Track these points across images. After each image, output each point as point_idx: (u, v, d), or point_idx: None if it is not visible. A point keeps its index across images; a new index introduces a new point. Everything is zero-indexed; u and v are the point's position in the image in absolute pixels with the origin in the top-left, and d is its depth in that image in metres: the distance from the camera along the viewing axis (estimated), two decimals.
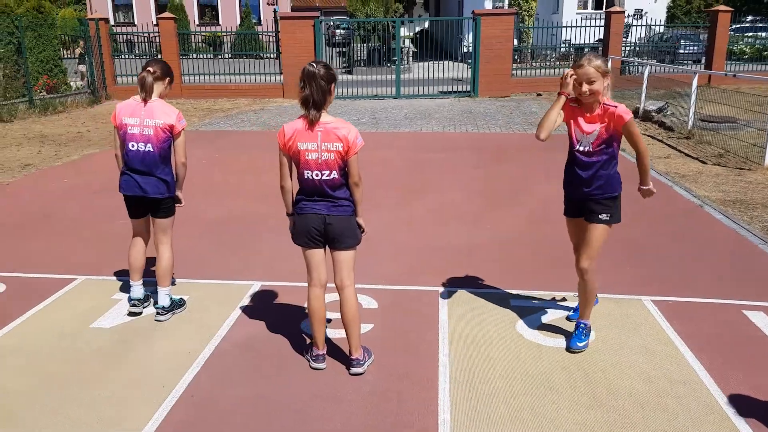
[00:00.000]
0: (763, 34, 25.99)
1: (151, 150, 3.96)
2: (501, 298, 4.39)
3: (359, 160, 3.38)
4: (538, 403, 3.15)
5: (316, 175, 3.27)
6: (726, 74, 12.68)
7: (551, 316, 4.12)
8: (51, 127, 12.56)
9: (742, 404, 3.11)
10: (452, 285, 4.63)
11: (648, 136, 10.87)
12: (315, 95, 3.18)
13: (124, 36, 21.84)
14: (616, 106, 3.40)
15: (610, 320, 4.03)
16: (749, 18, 30.58)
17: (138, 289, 4.24)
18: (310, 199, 3.34)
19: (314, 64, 3.22)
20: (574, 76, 3.38)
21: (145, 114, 3.93)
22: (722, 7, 17.21)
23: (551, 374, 3.42)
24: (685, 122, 11.26)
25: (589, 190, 3.53)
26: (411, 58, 24.05)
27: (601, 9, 28.33)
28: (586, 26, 19.17)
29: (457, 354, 3.64)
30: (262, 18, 31.17)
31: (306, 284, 3.51)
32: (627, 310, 4.18)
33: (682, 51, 24.62)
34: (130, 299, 4.26)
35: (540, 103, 15.39)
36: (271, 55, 22.94)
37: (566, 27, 18.64)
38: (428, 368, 3.50)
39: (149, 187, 4.00)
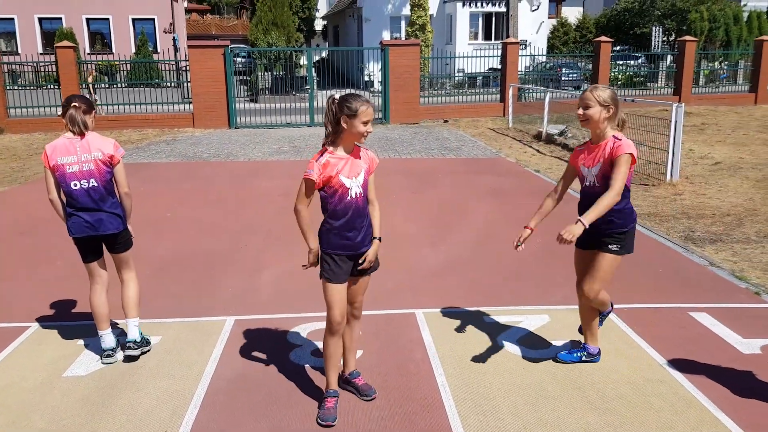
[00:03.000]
0: (632, 62, 28.71)
1: (96, 185, 3.82)
2: (475, 316, 4.61)
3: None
4: (541, 412, 3.37)
5: None
6: (625, 99, 13.89)
7: (526, 329, 4.39)
8: None
9: (715, 395, 3.49)
10: (426, 306, 4.79)
11: (554, 157, 11.68)
12: None
13: (12, 66, 20.38)
14: (621, 140, 3.42)
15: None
16: (618, 48, 33.66)
17: (109, 338, 4.03)
18: None
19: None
20: None
21: (81, 149, 3.79)
22: (603, 38, 18.89)
23: (544, 384, 3.66)
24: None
25: (598, 224, 3.43)
26: (315, 87, 24.29)
27: (491, 40, 30.04)
28: (480, 56, 20.26)
29: (452, 372, 3.80)
30: (159, 46, 30.29)
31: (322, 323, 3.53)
32: None
33: (564, 78, 26.68)
34: (102, 350, 4.03)
35: (449, 130, 16.06)
36: (170, 84, 22.33)
37: (464, 57, 19.62)
38: (428, 388, 3.62)
39: (101, 224, 3.85)
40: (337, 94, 3.35)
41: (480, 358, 3.96)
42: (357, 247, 3.30)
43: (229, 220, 7.49)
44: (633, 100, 12.28)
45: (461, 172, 10.38)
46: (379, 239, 3.42)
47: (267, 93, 23.30)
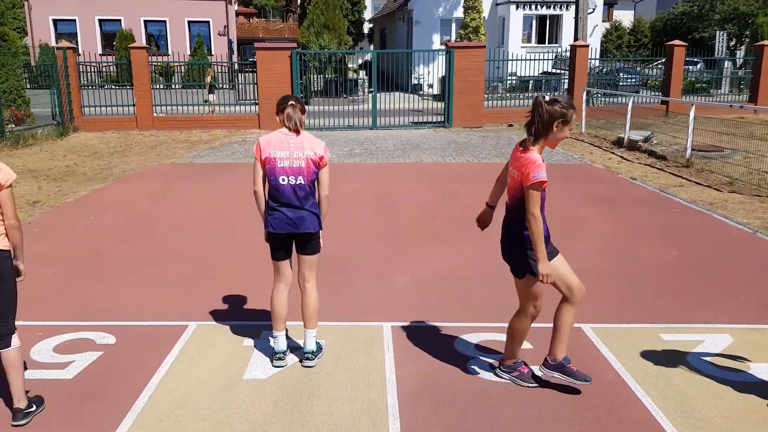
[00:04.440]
0: (691, 68, 28.06)
1: (303, 183, 3.79)
2: (645, 333, 4.41)
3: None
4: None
5: None
6: (732, 105, 13.65)
7: (710, 350, 4.17)
8: (31, 161, 11.72)
9: None
10: (596, 321, 4.61)
11: (644, 165, 11.37)
12: None
13: (88, 66, 20.71)
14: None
15: None
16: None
17: (283, 341, 3.97)
18: None
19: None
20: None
21: (295, 146, 3.76)
22: (677, 42, 18.44)
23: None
24: (676, 151, 11.91)
25: None
26: (367, 90, 24.25)
27: (544, 43, 29.66)
28: (541, 59, 19.92)
29: (655, 394, 3.61)
30: (213, 49, 30.66)
31: None
32: None
33: (622, 83, 26.18)
34: (274, 352, 3.97)
35: (518, 134, 15.81)
36: (225, 86, 22.50)
37: (529, 60, 19.34)
38: (635, 408, 3.44)
39: (302, 222, 3.80)
40: (547, 96, 3.39)
41: (681, 380, 3.75)
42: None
43: (336, 222, 7.40)
44: (741, 106, 12.00)
45: (553, 178, 10.07)
46: None
47: (319, 96, 23.38)
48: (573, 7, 28.97)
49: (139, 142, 14.42)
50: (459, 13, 27.17)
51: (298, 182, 3.76)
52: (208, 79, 18.90)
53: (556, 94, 19.73)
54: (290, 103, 3.80)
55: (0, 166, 3.16)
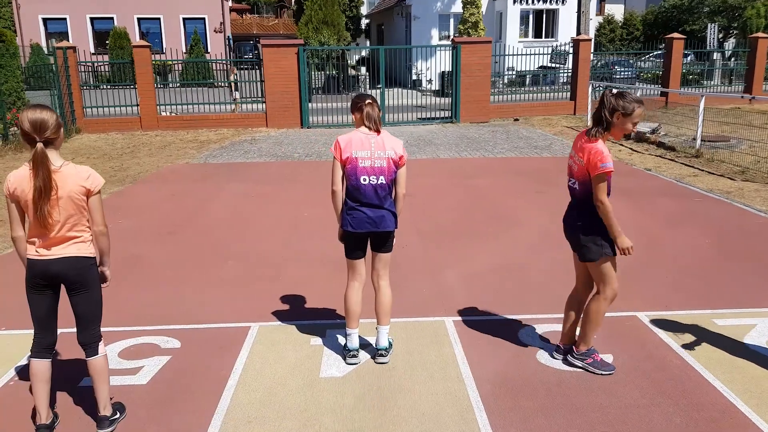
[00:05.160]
0: (685, 59, 28.30)
1: (384, 182, 3.82)
2: (696, 318, 4.51)
3: None
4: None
5: None
6: (743, 96, 13.82)
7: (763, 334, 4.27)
8: None
9: None
10: (645, 309, 4.70)
11: (656, 156, 11.51)
12: None
13: (82, 66, 20.54)
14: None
15: None
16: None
17: (356, 338, 4.01)
18: None
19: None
20: None
21: (376, 146, 3.79)
22: (676, 35, 18.61)
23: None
24: (684, 141, 12.07)
25: None
26: (368, 86, 24.21)
27: (541, 38, 29.77)
28: (535, 54, 19.91)
29: (726, 378, 3.71)
30: (209, 46, 30.47)
31: None
32: None
33: (617, 76, 26.35)
34: (347, 348, 4.01)
35: (525, 128, 15.90)
36: (223, 84, 22.38)
37: (531, 54, 19.44)
38: (712, 394, 3.53)
39: (382, 221, 3.84)
40: (614, 90, 3.58)
41: (744, 362, 3.85)
42: None
43: None
44: (753, 98, 12.17)
45: None
46: None
47: (320, 93, 23.31)
48: (568, 2, 29.15)
49: (146, 142, 14.35)
50: (457, 8, 27.19)
51: (379, 182, 3.78)
52: (232, 77, 18.82)
53: (553, 87, 19.72)
54: (368, 101, 3.82)
55: (89, 172, 3.13)
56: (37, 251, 3.09)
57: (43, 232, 3.06)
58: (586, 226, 3.63)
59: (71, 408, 3.51)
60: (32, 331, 3.22)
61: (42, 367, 3.21)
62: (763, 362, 3.86)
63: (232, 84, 18.59)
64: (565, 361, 3.89)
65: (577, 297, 3.90)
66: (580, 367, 3.81)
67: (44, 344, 3.22)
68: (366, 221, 3.81)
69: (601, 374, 3.74)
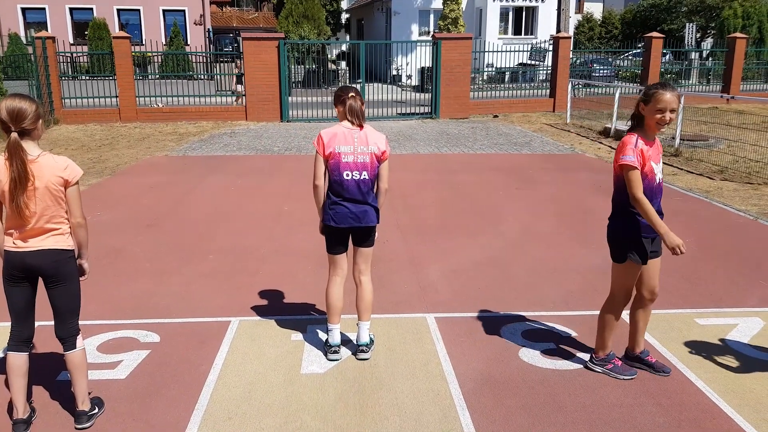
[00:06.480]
0: (663, 59, 28.65)
1: (366, 177, 3.80)
2: (683, 317, 4.56)
3: None
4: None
5: None
6: (721, 96, 14.02)
7: (745, 333, 4.33)
8: None
9: None
10: None
11: None
12: None
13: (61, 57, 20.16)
14: None
15: None
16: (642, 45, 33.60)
17: (337, 334, 3.98)
18: None
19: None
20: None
21: (359, 141, 3.76)
22: (655, 34, 18.83)
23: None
24: (663, 140, 12.20)
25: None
26: (347, 81, 24.12)
27: (520, 35, 29.92)
28: (514, 51, 19.94)
29: (707, 377, 3.75)
30: (189, 38, 30.07)
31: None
32: None
33: (596, 74, 26.60)
34: (329, 344, 3.98)
35: (504, 125, 15.96)
36: (203, 77, 22.12)
37: (514, 51, 19.51)
38: (693, 393, 3.57)
39: (365, 216, 3.82)
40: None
41: (726, 362, 3.89)
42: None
43: None
44: (732, 97, 12.37)
45: (551, 169, 10.30)
46: None
47: (299, 87, 23.15)
48: (548, 0, 29.32)
49: (125, 134, 14.13)
50: (437, 4, 27.16)
51: (362, 177, 3.76)
52: (236, 71, 18.57)
53: (533, 84, 19.70)
54: (351, 94, 3.78)
55: (67, 163, 3.07)
56: (14, 243, 3.03)
57: (20, 224, 3.00)
58: (613, 227, 3.59)
59: (49, 402, 3.44)
60: (9, 324, 3.16)
61: (19, 361, 3.14)
62: (745, 362, 3.90)
63: (236, 77, 18.37)
64: (587, 366, 3.84)
65: (638, 303, 3.78)
66: (600, 373, 3.78)
67: (21, 337, 3.16)
68: (349, 216, 3.78)
69: (624, 379, 3.69)
